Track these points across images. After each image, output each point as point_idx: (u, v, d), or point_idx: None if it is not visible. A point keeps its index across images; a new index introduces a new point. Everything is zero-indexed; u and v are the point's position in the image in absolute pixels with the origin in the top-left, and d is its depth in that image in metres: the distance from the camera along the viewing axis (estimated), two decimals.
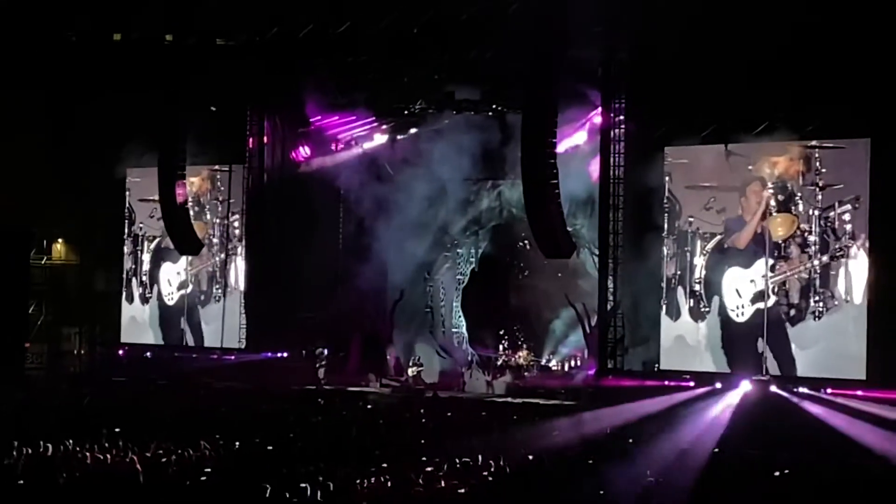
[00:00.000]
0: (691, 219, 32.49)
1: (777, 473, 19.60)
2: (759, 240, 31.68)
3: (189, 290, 40.22)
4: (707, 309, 32.13)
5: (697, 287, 32.29)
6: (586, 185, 34.32)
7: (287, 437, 24.11)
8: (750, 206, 31.80)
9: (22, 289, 39.20)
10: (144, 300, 41.36)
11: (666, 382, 30.86)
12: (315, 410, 30.22)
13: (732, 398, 30.12)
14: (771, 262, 31.38)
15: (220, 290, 39.32)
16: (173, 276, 40.72)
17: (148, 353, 39.99)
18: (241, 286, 38.62)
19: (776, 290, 31.28)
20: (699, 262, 32.35)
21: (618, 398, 29.93)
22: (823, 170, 30.99)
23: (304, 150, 38.77)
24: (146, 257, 41.32)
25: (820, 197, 30.85)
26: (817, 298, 30.75)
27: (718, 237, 32.17)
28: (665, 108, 31.18)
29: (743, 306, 31.73)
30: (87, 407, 29.24)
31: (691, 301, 32.35)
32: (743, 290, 31.81)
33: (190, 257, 39.45)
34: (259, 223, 38.30)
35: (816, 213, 30.81)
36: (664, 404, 29.71)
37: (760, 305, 31.38)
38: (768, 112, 30.51)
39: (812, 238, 30.90)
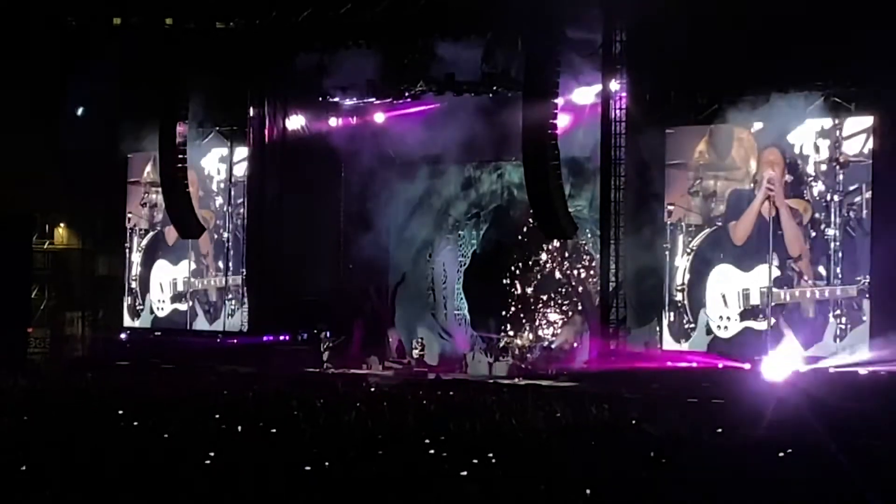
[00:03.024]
0: (671, 207, 28.07)
1: (781, 454, 19.54)
2: (760, 232, 26.11)
3: (189, 304, 38.66)
4: (692, 325, 27.42)
5: (679, 297, 27.72)
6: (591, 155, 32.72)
7: (290, 420, 24.06)
8: (762, 175, 26.26)
9: (24, 274, 39.28)
10: (135, 314, 40.14)
11: (668, 364, 30.45)
12: (317, 393, 30.18)
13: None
14: (776, 270, 25.16)
15: (234, 303, 37.92)
16: (166, 281, 39.35)
17: (150, 336, 39.92)
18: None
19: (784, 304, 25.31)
20: (682, 263, 27.72)
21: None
22: (846, 140, 24.91)
23: (304, 129, 38.64)
24: (136, 258, 40.20)
25: (841, 177, 25.06)
26: (839, 312, 25.07)
27: (708, 230, 27.35)
28: (667, 85, 30.61)
29: (728, 318, 26.58)
30: (89, 391, 29.23)
31: (671, 315, 27.84)
32: (731, 298, 26.54)
33: (193, 266, 38.71)
34: (259, 204, 38.18)
35: (836, 198, 25.23)
36: None
37: (751, 324, 26.05)
38: (771, 85, 27.24)
39: (831, 231, 25.14)
